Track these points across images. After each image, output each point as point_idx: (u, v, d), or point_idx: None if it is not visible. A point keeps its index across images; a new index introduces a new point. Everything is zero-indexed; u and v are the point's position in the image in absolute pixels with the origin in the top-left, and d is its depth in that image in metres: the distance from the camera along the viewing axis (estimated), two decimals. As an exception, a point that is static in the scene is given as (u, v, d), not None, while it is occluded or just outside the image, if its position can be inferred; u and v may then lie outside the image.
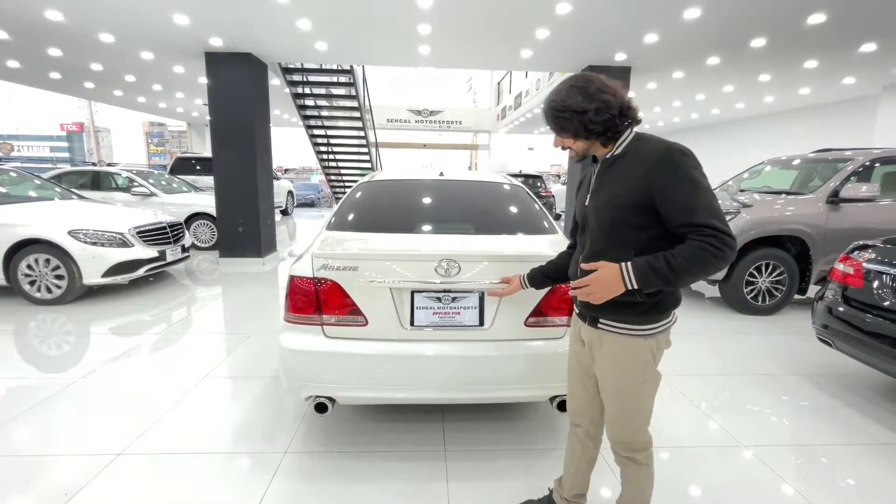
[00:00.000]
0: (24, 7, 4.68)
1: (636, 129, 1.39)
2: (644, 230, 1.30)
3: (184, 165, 10.60)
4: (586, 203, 1.46)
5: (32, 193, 5.46)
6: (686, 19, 4.63)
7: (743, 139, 13.88)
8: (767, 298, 4.52)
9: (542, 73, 11.23)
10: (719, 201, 1.26)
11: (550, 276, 1.78)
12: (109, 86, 9.12)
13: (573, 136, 1.37)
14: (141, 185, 7.63)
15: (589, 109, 1.30)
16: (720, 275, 4.47)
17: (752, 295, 4.51)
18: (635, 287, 1.25)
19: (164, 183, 8.25)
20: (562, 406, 2.11)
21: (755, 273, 4.47)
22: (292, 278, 2.08)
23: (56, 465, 2.08)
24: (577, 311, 1.54)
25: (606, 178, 1.39)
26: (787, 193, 4.84)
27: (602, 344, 1.43)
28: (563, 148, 1.43)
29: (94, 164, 13.41)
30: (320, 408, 2.08)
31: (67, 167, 8.29)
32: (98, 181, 7.89)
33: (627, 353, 1.39)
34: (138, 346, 3.51)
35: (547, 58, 6.22)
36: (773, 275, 4.47)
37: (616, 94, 1.33)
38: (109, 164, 11.03)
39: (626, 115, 1.34)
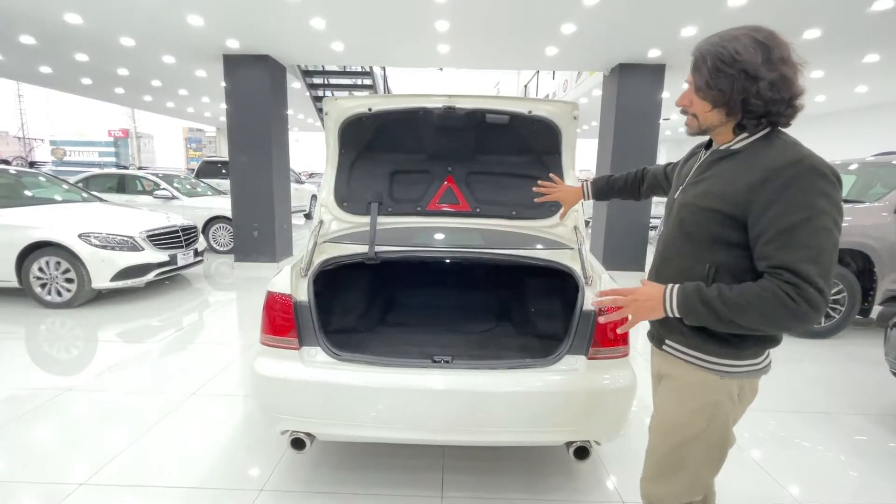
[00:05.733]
0: (44, 11, 4.70)
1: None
2: (728, 248, 1.05)
3: (209, 169, 10.72)
4: (675, 195, 1.20)
5: (58, 197, 5.50)
6: (731, 6, 4.18)
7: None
8: (823, 319, 4.00)
9: (570, 74, 10.81)
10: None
11: (617, 188, 1.68)
12: (138, 91, 9.31)
13: (716, 102, 1.05)
14: (164, 189, 7.68)
15: (764, 78, 0.98)
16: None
17: (805, 315, 4.00)
18: (676, 315, 1.04)
19: (188, 186, 8.31)
20: (580, 453, 1.77)
21: (808, 291, 3.96)
22: (269, 294, 1.84)
23: (14, 493, 1.90)
24: (649, 329, 1.28)
25: (708, 173, 1.12)
26: (845, 201, 4.32)
27: (667, 373, 1.19)
28: (684, 111, 1.14)
29: (124, 168, 13.82)
30: (297, 444, 1.81)
31: (95, 171, 8.45)
32: (123, 184, 8.00)
33: (692, 389, 1.12)
34: (135, 356, 3.36)
35: (574, 56, 5.85)
36: (831, 293, 3.95)
37: (797, 76, 1.01)
38: (140, 168, 11.29)
39: (794, 107, 1.03)
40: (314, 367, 1.76)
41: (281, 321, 1.80)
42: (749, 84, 0.99)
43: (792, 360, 3.58)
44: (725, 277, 1.04)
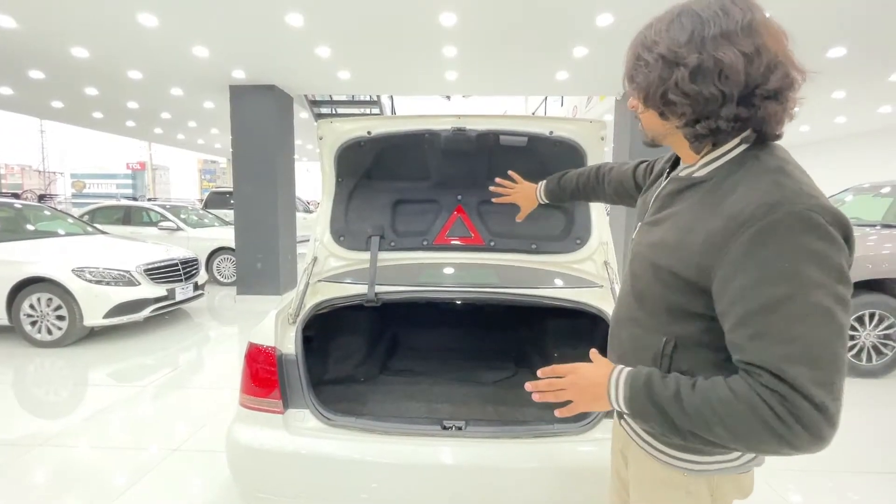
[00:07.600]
0: (50, 44, 4.70)
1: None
2: (690, 320, 0.75)
3: (217, 199, 10.72)
4: (634, 234, 0.90)
5: (60, 231, 5.38)
6: (751, 26, 4.01)
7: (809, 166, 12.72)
8: (874, 357, 3.62)
9: (579, 99, 10.75)
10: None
11: (569, 190, 1.33)
12: (149, 123, 9.40)
13: (643, 97, 0.76)
14: (168, 220, 7.58)
15: (685, 64, 0.67)
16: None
17: (854, 353, 3.62)
18: (623, 410, 0.74)
19: (195, 217, 8.22)
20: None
21: (856, 325, 3.60)
22: (251, 346, 1.58)
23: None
24: None
25: (666, 212, 0.81)
26: (885, 226, 4.01)
27: (629, 457, 0.93)
28: (637, 116, 0.82)
29: (134, 199, 13.94)
30: (280, 527, 1.52)
31: (102, 202, 8.42)
32: (129, 216, 7.93)
33: (655, 486, 0.86)
34: (123, 401, 3.09)
35: (586, 79, 5.72)
36: (881, 328, 3.59)
37: (756, 59, 0.66)
38: (149, 200, 11.35)
39: (756, 108, 0.67)
40: (301, 435, 1.48)
41: (263, 378, 1.54)
42: (667, 72, 0.69)
43: (845, 404, 3.18)
44: (687, 355, 0.76)
